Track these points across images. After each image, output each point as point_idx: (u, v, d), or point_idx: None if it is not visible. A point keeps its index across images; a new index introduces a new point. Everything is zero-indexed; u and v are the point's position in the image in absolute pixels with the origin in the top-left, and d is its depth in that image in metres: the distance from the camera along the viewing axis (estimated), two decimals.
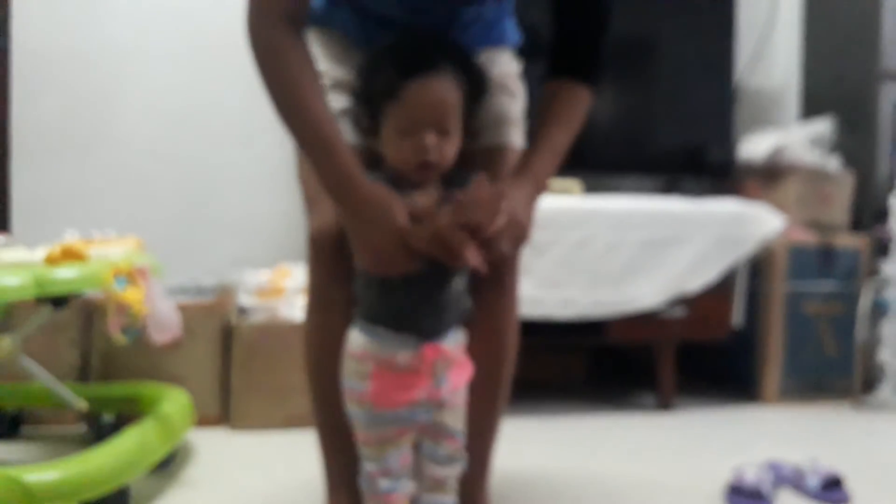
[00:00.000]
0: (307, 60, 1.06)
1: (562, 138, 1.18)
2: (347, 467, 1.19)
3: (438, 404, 1.13)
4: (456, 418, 1.17)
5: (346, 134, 1.13)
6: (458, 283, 1.14)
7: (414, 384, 1.10)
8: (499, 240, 1.05)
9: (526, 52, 1.35)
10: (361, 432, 1.13)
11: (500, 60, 1.28)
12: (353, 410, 1.13)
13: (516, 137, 1.28)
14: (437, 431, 1.15)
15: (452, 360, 1.13)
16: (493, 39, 1.29)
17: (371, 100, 1.11)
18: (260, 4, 1.04)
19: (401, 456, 1.13)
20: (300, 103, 1.04)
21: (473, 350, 1.19)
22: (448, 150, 1.10)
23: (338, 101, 1.18)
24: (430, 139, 1.07)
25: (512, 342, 1.28)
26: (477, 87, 1.13)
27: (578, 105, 1.21)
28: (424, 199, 1.07)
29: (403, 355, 1.10)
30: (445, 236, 1.02)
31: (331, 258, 1.16)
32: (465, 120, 1.12)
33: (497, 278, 1.20)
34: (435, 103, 1.07)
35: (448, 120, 1.09)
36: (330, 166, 1.04)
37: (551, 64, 1.22)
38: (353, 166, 1.05)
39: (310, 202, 1.21)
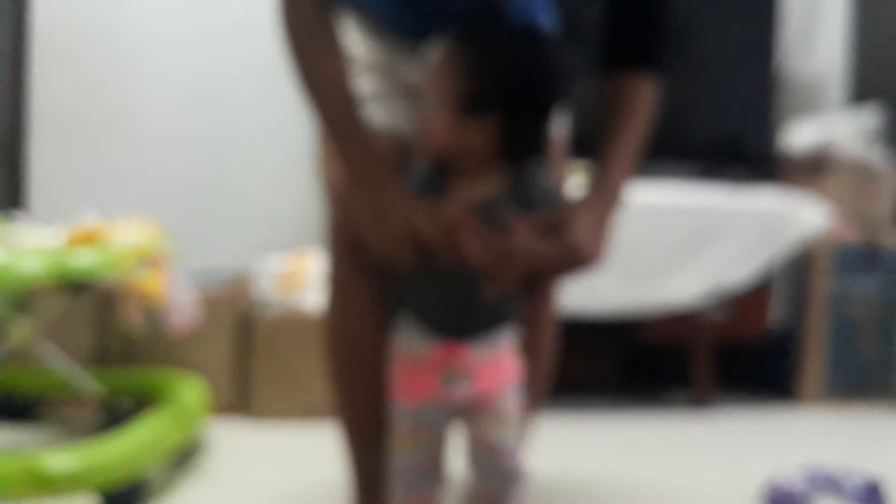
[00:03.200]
0: (335, 43, 1.05)
1: (634, 143, 1.10)
2: (374, 465, 1.14)
3: (456, 409, 1.07)
4: (500, 426, 1.07)
5: (379, 117, 1.11)
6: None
7: (422, 383, 1.06)
8: (550, 271, 1.01)
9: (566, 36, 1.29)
10: (394, 424, 1.10)
11: None
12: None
13: (556, 127, 1.21)
14: (483, 445, 1.08)
15: (474, 366, 1.06)
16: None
17: None
18: None
19: (424, 456, 1.09)
20: (327, 84, 1.03)
21: None
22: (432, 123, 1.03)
23: (370, 84, 1.14)
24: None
25: (548, 346, 1.24)
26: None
27: (645, 100, 1.12)
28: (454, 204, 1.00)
29: (419, 351, 1.06)
30: (454, 234, 0.97)
31: (355, 251, 1.12)
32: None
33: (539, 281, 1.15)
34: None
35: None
36: (347, 151, 1.03)
37: (607, 52, 1.13)
38: (372, 154, 1.03)
39: (332, 192, 1.17)
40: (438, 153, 1.04)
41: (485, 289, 1.00)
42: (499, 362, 1.08)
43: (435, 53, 1.03)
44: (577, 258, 1.00)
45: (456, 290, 1.04)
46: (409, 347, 1.07)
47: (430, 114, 1.02)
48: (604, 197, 1.06)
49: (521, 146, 1.04)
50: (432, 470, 1.10)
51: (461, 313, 1.05)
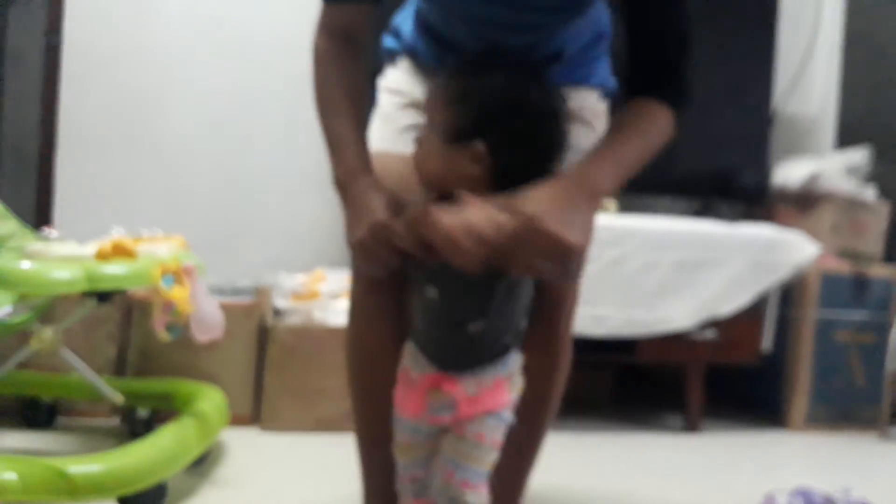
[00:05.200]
0: (345, 71, 1.14)
1: (626, 149, 1.07)
2: (385, 476, 1.18)
3: (443, 429, 1.09)
4: (463, 456, 1.07)
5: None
6: (484, 325, 1.06)
7: (412, 402, 1.10)
8: (518, 255, 0.95)
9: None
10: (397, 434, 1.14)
11: (579, 96, 1.24)
12: None
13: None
14: (444, 470, 1.08)
15: (460, 398, 1.06)
16: (576, 78, 1.24)
17: None
18: (320, 20, 1.18)
19: (421, 469, 1.12)
20: (328, 105, 1.14)
21: (525, 368, 1.15)
22: None
23: (408, 118, 1.23)
24: None
25: (564, 365, 1.26)
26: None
27: (652, 120, 1.10)
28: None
29: (413, 374, 1.10)
30: (418, 223, 0.98)
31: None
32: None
33: (557, 298, 1.19)
34: None
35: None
36: (337, 161, 1.11)
37: (628, 85, 1.14)
38: (356, 163, 1.09)
39: None
40: (428, 180, 1.06)
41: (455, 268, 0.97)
42: (486, 394, 1.08)
43: (434, 85, 1.09)
44: (539, 233, 0.95)
45: (447, 328, 1.07)
46: (408, 367, 1.12)
47: (422, 142, 1.07)
48: (570, 183, 1.01)
49: (512, 178, 1.01)
50: (430, 480, 1.12)
51: (452, 349, 1.08)
